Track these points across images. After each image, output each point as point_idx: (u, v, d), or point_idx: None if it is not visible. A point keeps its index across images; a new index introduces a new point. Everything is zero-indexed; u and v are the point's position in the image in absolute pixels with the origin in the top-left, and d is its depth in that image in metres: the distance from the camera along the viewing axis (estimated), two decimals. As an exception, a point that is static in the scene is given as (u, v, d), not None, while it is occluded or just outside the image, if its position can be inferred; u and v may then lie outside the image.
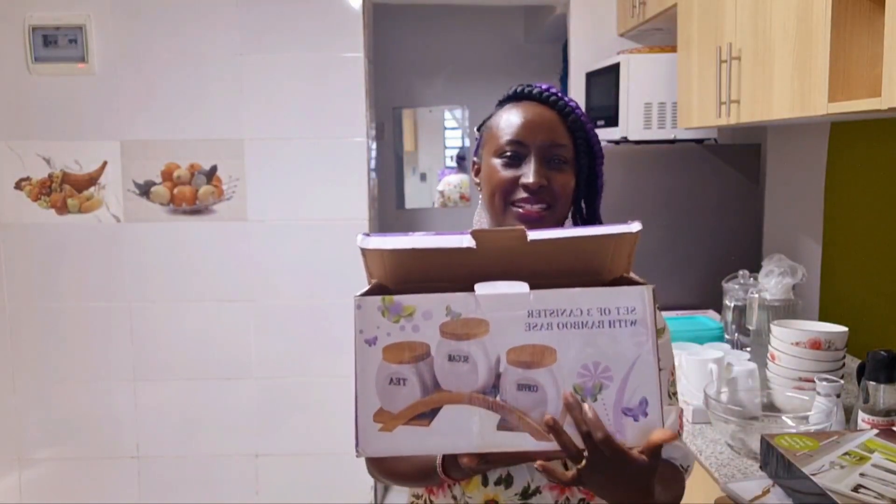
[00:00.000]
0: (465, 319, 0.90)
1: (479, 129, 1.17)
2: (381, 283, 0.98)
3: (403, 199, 4.28)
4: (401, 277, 0.97)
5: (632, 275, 0.95)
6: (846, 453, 1.30)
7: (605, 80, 2.61)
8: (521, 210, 1.06)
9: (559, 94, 1.11)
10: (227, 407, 3.05)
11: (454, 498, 1.08)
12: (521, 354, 0.89)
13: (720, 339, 2.13)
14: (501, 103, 1.15)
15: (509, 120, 1.09)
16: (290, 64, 2.91)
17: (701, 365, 1.73)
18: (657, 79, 2.47)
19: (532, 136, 1.07)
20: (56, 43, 2.85)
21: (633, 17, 2.72)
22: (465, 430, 0.89)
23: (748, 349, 2.03)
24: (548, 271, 0.92)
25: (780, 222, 2.54)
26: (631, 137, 2.49)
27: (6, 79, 2.88)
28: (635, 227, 0.90)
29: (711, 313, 2.35)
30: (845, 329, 1.71)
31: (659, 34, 2.79)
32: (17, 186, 2.94)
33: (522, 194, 1.06)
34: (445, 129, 4.27)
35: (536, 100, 1.10)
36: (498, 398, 0.89)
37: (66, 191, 2.94)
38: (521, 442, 0.88)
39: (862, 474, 1.24)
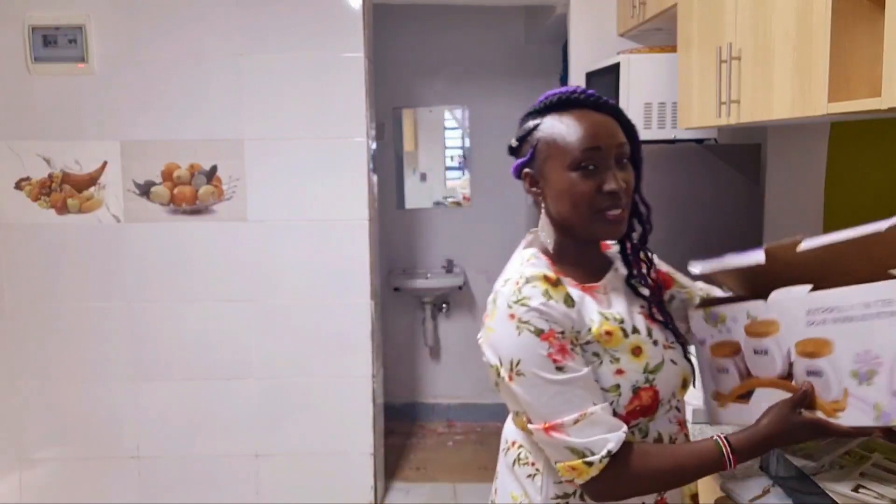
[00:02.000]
0: (761, 321, 1.13)
1: (521, 140, 1.18)
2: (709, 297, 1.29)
3: (403, 199, 4.27)
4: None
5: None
6: (846, 453, 1.30)
7: (605, 80, 2.61)
8: (607, 215, 1.12)
9: (599, 95, 1.16)
10: (228, 407, 3.05)
11: None
12: (806, 347, 1.07)
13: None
14: (541, 112, 1.16)
15: (575, 130, 1.11)
16: (290, 64, 2.91)
17: (701, 365, 1.73)
18: (657, 79, 2.47)
19: (604, 142, 1.11)
20: (56, 43, 2.85)
21: (633, 17, 2.72)
22: None
23: (748, 349, 2.02)
24: (824, 274, 1.08)
25: (780, 222, 2.54)
26: (631, 137, 2.48)
27: (6, 79, 2.88)
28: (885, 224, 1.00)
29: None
30: (845, 329, 1.71)
31: (659, 34, 2.79)
32: (17, 186, 2.94)
33: (606, 201, 1.11)
34: (445, 129, 4.26)
35: (585, 105, 1.14)
36: (793, 383, 1.10)
37: (66, 191, 2.94)
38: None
39: (862, 474, 1.24)
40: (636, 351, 1.12)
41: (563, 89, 1.16)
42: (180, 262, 2.98)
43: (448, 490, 3.46)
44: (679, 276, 1.37)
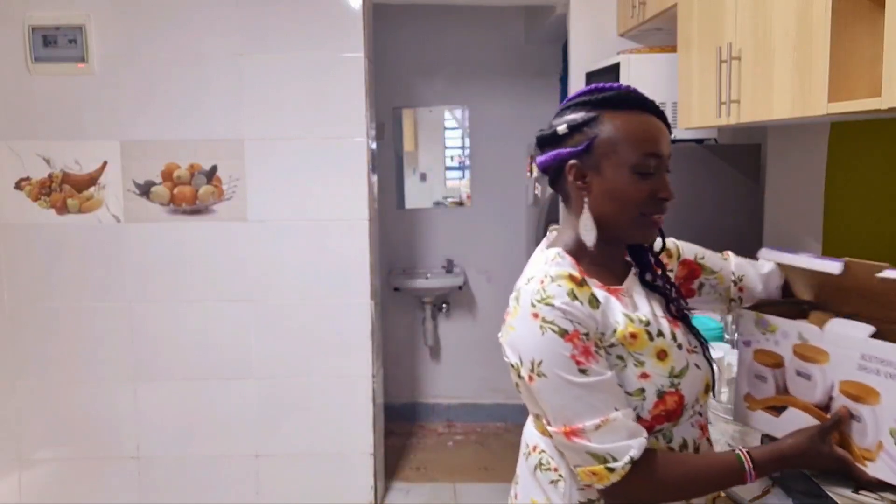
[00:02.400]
0: (812, 346, 1.13)
1: (572, 130, 1.13)
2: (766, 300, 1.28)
3: (403, 199, 4.27)
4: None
5: None
6: (846, 454, 1.29)
7: (606, 80, 2.60)
8: (651, 218, 1.13)
9: (651, 99, 1.15)
10: (228, 407, 3.05)
11: None
12: (851, 388, 1.07)
13: (720, 339, 2.13)
14: (595, 105, 1.13)
15: (642, 133, 1.11)
16: (290, 64, 2.91)
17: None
18: (657, 79, 2.47)
19: (664, 150, 1.12)
20: (56, 43, 2.85)
21: (633, 17, 2.72)
22: None
23: (748, 349, 2.02)
24: (893, 307, 1.07)
25: (780, 222, 2.53)
26: (631, 137, 2.48)
27: (6, 79, 2.87)
28: None
29: (711, 313, 2.35)
30: (845, 329, 1.71)
31: (659, 34, 2.79)
32: (17, 186, 2.94)
33: (654, 206, 1.12)
34: (445, 129, 4.26)
35: (644, 108, 1.13)
36: (828, 415, 1.11)
37: (66, 191, 2.94)
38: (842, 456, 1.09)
39: (862, 474, 1.23)
40: (661, 354, 1.09)
41: (616, 85, 1.15)
42: (180, 262, 2.98)
43: (448, 490, 3.46)
44: (707, 261, 1.35)
